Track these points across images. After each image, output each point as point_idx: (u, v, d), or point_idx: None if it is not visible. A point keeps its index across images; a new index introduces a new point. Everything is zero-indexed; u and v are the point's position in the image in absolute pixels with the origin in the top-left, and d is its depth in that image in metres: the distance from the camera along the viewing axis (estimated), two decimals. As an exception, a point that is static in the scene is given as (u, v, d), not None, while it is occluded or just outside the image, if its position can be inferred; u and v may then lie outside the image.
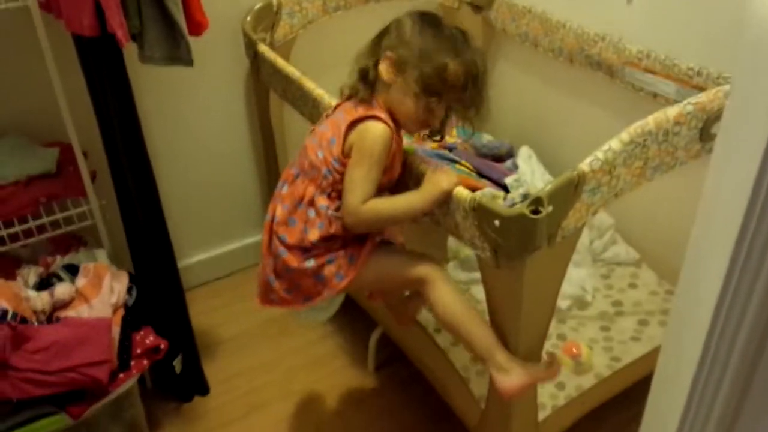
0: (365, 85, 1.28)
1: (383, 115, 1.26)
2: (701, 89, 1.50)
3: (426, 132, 1.39)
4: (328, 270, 1.30)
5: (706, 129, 1.28)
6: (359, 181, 1.23)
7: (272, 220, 1.33)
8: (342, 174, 1.26)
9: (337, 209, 1.27)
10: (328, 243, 1.29)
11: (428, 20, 1.29)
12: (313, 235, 1.28)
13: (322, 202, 1.27)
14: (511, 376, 1.23)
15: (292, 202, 1.30)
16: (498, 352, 1.24)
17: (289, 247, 1.30)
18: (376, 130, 1.24)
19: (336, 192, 1.27)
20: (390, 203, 1.27)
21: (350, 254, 1.31)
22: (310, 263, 1.29)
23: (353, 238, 1.31)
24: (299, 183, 1.30)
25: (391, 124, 1.26)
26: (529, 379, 1.24)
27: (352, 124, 1.26)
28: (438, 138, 1.43)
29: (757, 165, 0.49)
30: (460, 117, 1.34)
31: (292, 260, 1.30)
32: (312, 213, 1.28)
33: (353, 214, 1.24)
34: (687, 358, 0.61)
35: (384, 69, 1.26)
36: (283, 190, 1.33)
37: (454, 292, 1.31)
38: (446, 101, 1.28)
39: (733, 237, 0.52)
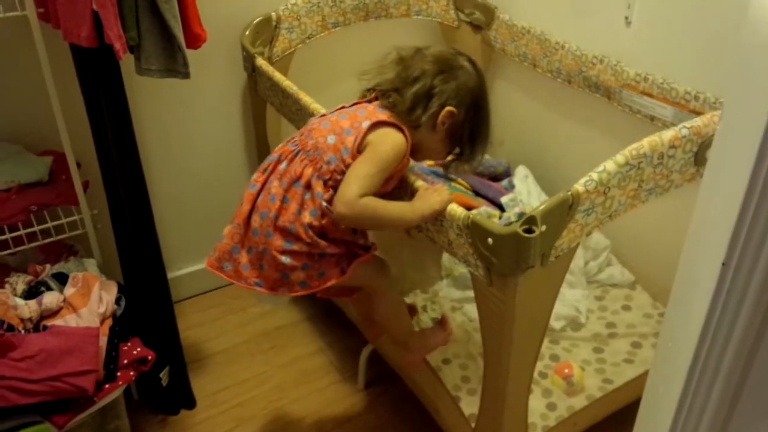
0: (414, 111, 1.30)
1: (405, 129, 1.29)
2: (698, 113, 1.51)
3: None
4: (296, 275, 1.29)
5: (701, 153, 1.28)
6: (364, 177, 1.23)
7: (258, 193, 1.31)
8: (346, 164, 1.26)
9: (330, 200, 1.26)
10: (311, 244, 1.27)
11: (483, 84, 1.37)
12: (305, 218, 1.26)
13: (318, 188, 1.26)
14: (413, 354, 1.55)
15: (289, 180, 1.28)
16: (409, 339, 1.54)
17: (276, 228, 1.28)
18: (397, 139, 1.28)
19: (333, 181, 1.26)
20: (384, 205, 1.26)
21: (322, 271, 1.31)
22: (286, 259, 1.28)
23: (332, 255, 1.31)
24: (297, 162, 1.28)
25: (410, 140, 1.30)
26: (425, 352, 1.56)
27: (376, 125, 1.28)
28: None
29: (744, 188, 0.49)
30: None
31: (273, 244, 1.27)
32: (307, 196, 1.27)
33: (348, 204, 1.21)
34: (674, 380, 0.60)
35: (442, 119, 1.31)
36: (281, 166, 1.30)
37: (395, 304, 1.50)
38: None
39: (720, 260, 0.52)
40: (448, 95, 1.30)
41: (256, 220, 1.30)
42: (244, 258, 1.32)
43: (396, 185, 1.34)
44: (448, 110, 1.30)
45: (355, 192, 1.21)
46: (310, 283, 1.31)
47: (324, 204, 1.26)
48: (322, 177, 1.26)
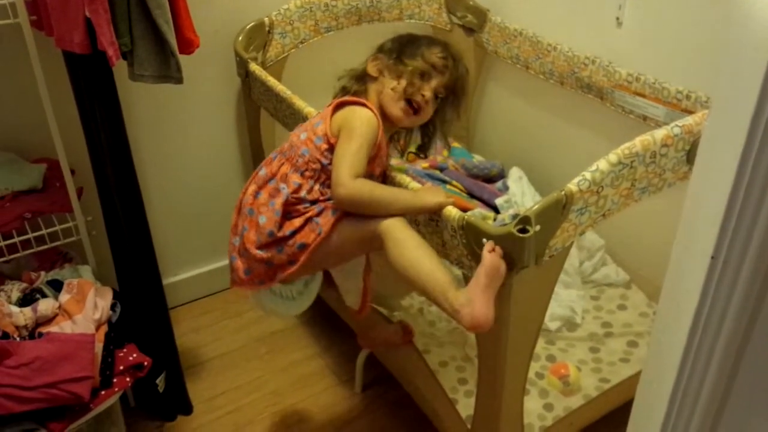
0: (356, 82, 1.42)
1: (370, 104, 1.34)
2: (690, 112, 1.52)
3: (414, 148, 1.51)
4: (278, 259, 1.31)
5: (693, 151, 1.28)
6: (350, 155, 1.25)
7: (242, 200, 1.36)
8: (321, 151, 1.29)
9: (309, 191, 1.29)
10: (279, 230, 1.28)
11: (403, 33, 1.45)
12: (277, 204, 1.28)
13: (294, 178, 1.29)
14: (475, 308, 1.11)
15: (264, 180, 1.33)
16: (451, 295, 1.14)
17: (251, 222, 1.31)
18: (364, 113, 1.31)
19: (310, 171, 1.29)
20: (382, 187, 1.29)
21: (300, 243, 1.29)
22: (260, 252, 1.31)
23: (301, 227, 1.29)
24: (275, 163, 1.34)
25: (378, 113, 1.33)
26: (485, 295, 1.11)
27: (339, 105, 1.33)
28: (424, 154, 1.54)
29: (731, 182, 0.49)
30: (450, 109, 1.43)
31: (248, 238, 1.32)
32: (282, 187, 1.30)
33: (343, 185, 1.23)
34: (666, 373, 0.60)
35: (371, 64, 1.40)
36: (261, 172, 1.35)
37: (409, 248, 1.21)
38: (432, 83, 1.37)
39: (709, 253, 0.52)
40: (372, 54, 1.43)
41: (239, 224, 1.36)
42: (241, 264, 1.36)
43: (382, 170, 1.36)
44: (372, 57, 1.41)
45: (345, 171, 1.24)
46: (296, 259, 1.30)
47: (303, 193, 1.29)
48: (299, 170, 1.30)
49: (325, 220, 1.27)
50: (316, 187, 1.29)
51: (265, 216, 1.29)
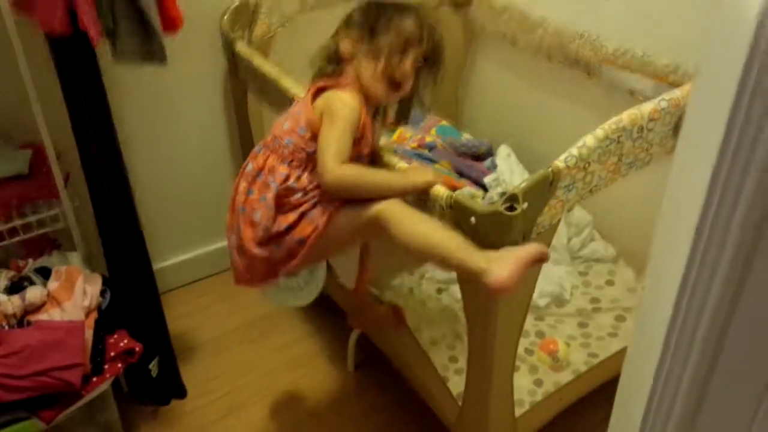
0: (330, 63, 1.36)
1: (348, 87, 1.32)
2: (677, 86, 1.51)
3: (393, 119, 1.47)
4: (277, 254, 1.30)
5: (680, 125, 1.28)
6: (334, 140, 1.23)
7: (234, 198, 1.34)
8: (305, 140, 1.28)
9: (297, 180, 1.27)
10: (273, 225, 1.28)
11: (373, 2, 1.38)
12: (268, 198, 1.27)
13: (281, 169, 1.28)
14: (500, 269, 1.08)
15: (252, 175, 1.31)
16: (473, 256, 1.12)
17: (246, 221, 1.30)
18: (344, 96, 1.29)
19: (297, 161, 1.28)
20: (369, 170, 1.28)
21: (299, 238, 1.28)
22: (258, 251, 1.30)
23: (297, 221, 1.28)
24: (260, 156, 1.32)
25: (357, 95, 1.31)
26: (516, 262, 1.08)
27: (318, 92, 1.31)
28: (404, 120, 1.49)
29: (713, 160, 0.49)
30: (427, 75, 1.39)
31: (245, 237, 1.31)
32: (271, 180, 1.28)
33: (330, 171, 1.21)
34: (651, 351, 0.61)
35: (344, 45, 1.35)
36: (248, 168, 1.34)
37: (412, 223, 1.20)
38: (410, 57, 1.32)
39: (692, 233, 0.52)
40: (342, 28, 1.37)
41: (236, 222, 1.34)
42: (240, 262, 1.35)
43: (369, 150, 1.35)
44: (344, 35, 1.35)
45: (330, 158, 1.22)
46: (295, 253, 1.30)
47: (290, 182, 1.27)
48: (285, 160, 1.28)
49: (321, 214, 1.26)
50: (304, 175, 1.28)
51: (259, 211, 1.28)
